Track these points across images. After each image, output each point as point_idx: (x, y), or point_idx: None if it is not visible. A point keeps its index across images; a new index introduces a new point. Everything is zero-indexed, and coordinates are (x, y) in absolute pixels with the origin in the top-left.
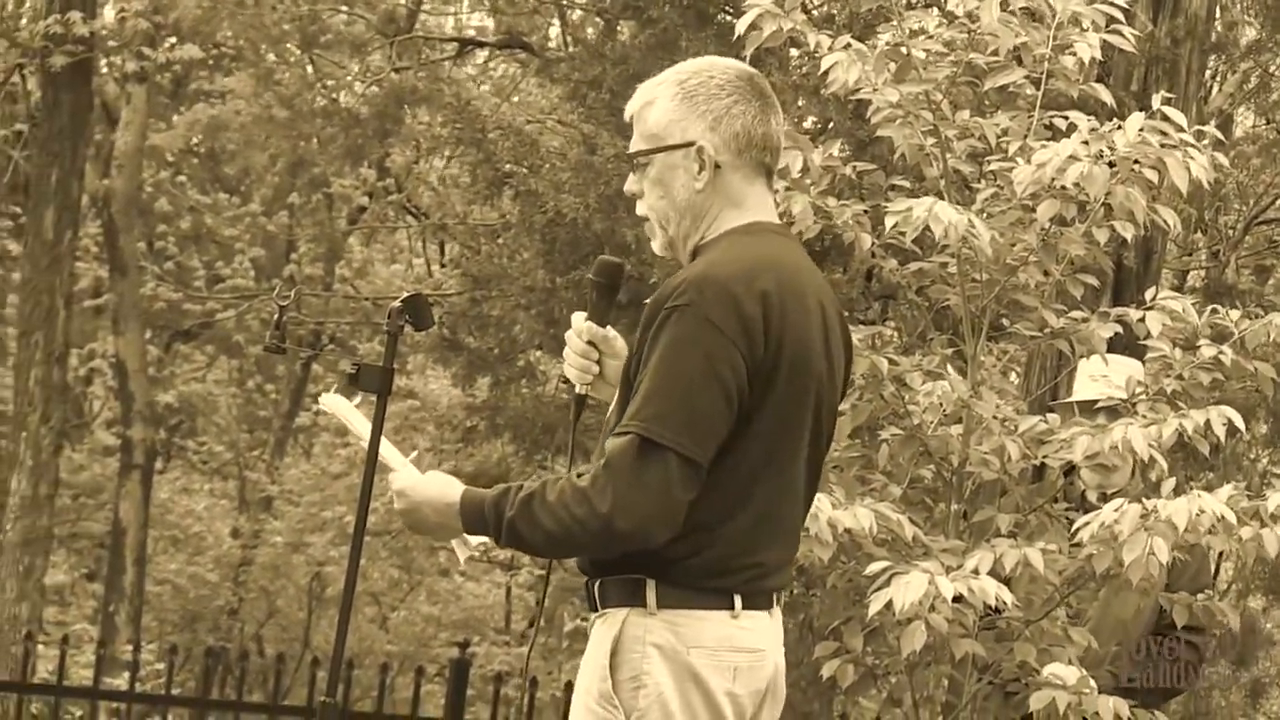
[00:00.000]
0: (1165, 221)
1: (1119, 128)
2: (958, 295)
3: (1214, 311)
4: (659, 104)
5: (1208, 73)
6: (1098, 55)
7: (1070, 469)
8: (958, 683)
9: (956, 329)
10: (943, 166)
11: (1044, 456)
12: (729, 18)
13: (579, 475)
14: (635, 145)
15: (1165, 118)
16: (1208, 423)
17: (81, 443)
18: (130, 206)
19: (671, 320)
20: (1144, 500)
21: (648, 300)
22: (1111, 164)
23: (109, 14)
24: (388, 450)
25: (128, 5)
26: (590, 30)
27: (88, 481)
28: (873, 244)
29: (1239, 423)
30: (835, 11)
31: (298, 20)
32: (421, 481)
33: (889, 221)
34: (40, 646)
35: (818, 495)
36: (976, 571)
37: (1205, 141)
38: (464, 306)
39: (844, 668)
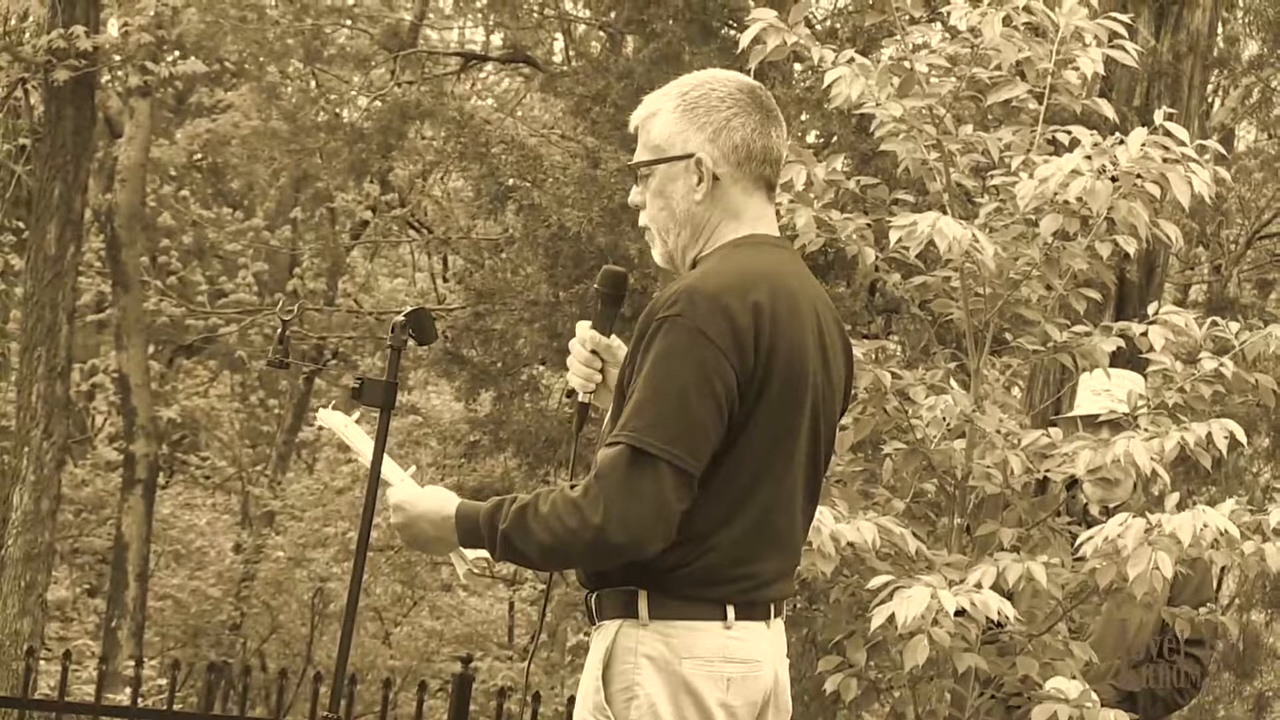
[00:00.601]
0: (1167, 236)
1: (1121, 142)
2: (961, 309)
3: (1215, 325)
4: (661, 116)
5: (1210, 88)
6: (1100, 70)
7: (1072, 483)
8: (960, 697)
9: (960, 343)
10: (946, 181)
11: (1047, 470)
12: (733, 31)
13: (571, 486)
14: (638, 156)
15: (1167, 133)
16: (1209, 436)
17: (84, 458)
18: (133, 221)
19: (663, 331)
20: (1147, 515)
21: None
22: (1114, 179)
23: (112, 28)
24: (387, 465)
25: (131, 20)
26: (594, 45)
27: (90, 497)
28: (876, 258)
29: (1241, 436)
30: (839, 26)
31: (301, 35)
32: (418, 496)
33: (893, 236)
34: (42, 662)
35: (820, 509)
36: (979, 585)
37: (1207, 156)
38: (467, 321)
39: (847, 682)
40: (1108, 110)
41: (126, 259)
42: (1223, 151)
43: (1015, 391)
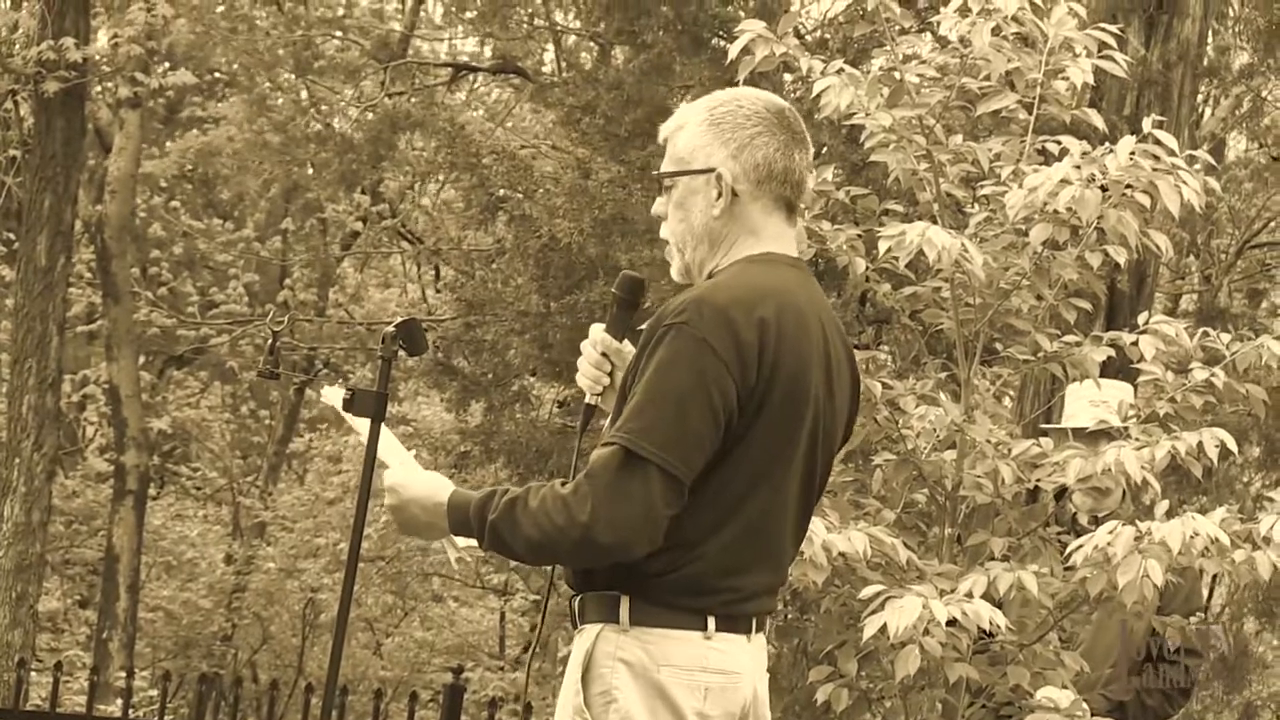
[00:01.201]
0: (1157, 246)
1: (1111, 152)
2: (951, 319)
3: (1206, 335)
4: (688, 129)
5: (1200, 97)
6: (1090, 80)
7: (1061, 492)
8: (951, 707)
9: (950, 353)
10: (936, 191)
11: (1037, 480)
12: (723, 42)
13: (562, 483)
14: (664, 167)
15: (1157, 141)
16: (1200, 445)
17: (75, 469)
18: (123, 232)
19: (668, 338)
20: (1137, 523)
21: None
22: (1104, 188)
23: (102, 40)
24: (389, 446)
25: (121, 31)
26: (584, 55)
27: (81, 508)
28: (866, 268)
29: (1231, 445)
30: (829, 36)
31: (291, 46)
32: (413, 480)
33: (882, 246)
34: (34, 673)
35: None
36: (970, 595)
37: (1197, 166)
38: (458, 331)
39: (838, 692)
40: (1097, 120)
41: (117, 270)
42: (1213, 161)
43: (1006, 401)
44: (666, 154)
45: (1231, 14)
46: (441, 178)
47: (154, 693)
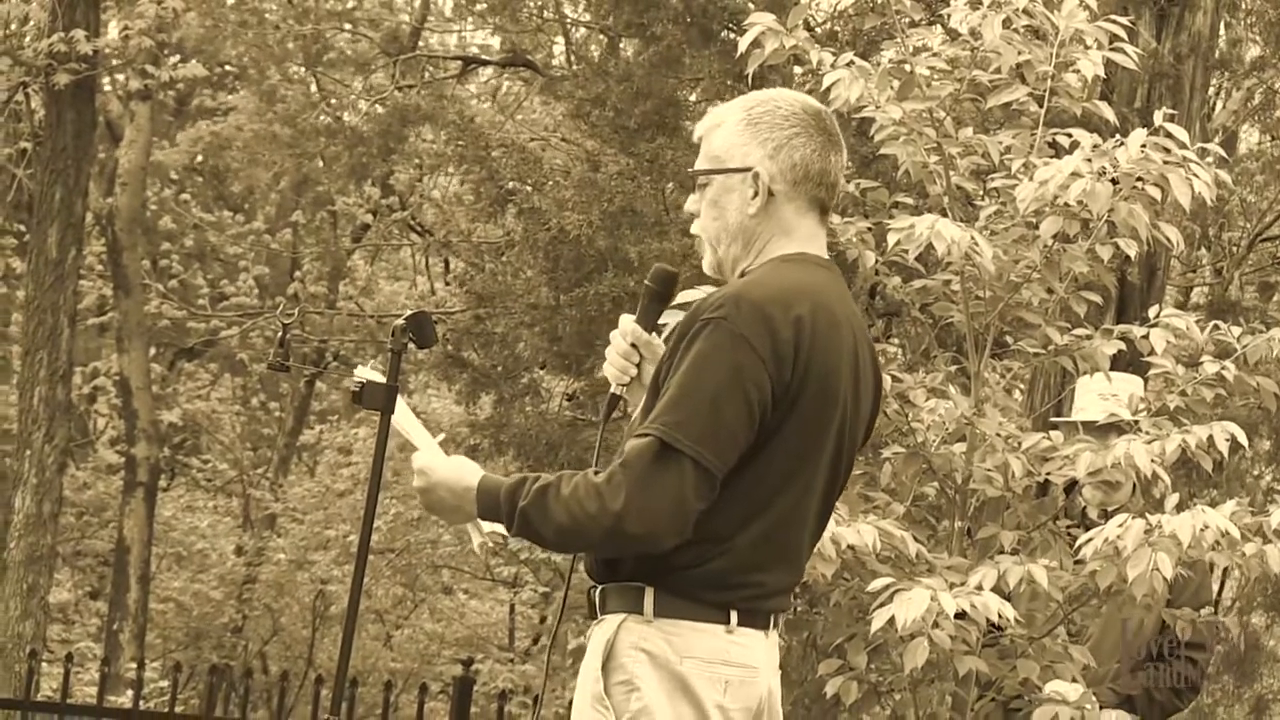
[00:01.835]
0: (1168, 238)
1: (1121, 145)
2: (961, 312)
3: (1217, 328)
4: (725, 127)
5: (1211, 90)
6: (1101, 73)
7: (1071, 486)
8: (961, 700)
9: (960, 346)
10: (946, 184)
11: (1047, 473)
12: (733, 35)
13: (595, 472)
14: (699, 165)
15: (1168, 134)
16: (1211, 438)
17: (85, 461)
18: (134, 224)
19: (705, 332)
20: (1147, 516)
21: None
22: (1114, 181)
23: (113, 32)
24: (416, 428)
25: (131, 23)
26: (594, 48)
27: (92, 499)
28: (876, 261)
29: (1242, 438)
30: (839, 29)
31: (301, 39)
32: (442, 463)
33: (891, 238)
34: (44, 665)
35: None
36: (980, 588)
37: (1209, 159)
38: (468, 324)
39: (848, 685)
40: (1108, 113)
41: (127, 262)
42: (1224, 154)
43: (1016, 395)
44: (701, 152)
45: (1243, 6)
46: (451, 170)
47: (165, 684)
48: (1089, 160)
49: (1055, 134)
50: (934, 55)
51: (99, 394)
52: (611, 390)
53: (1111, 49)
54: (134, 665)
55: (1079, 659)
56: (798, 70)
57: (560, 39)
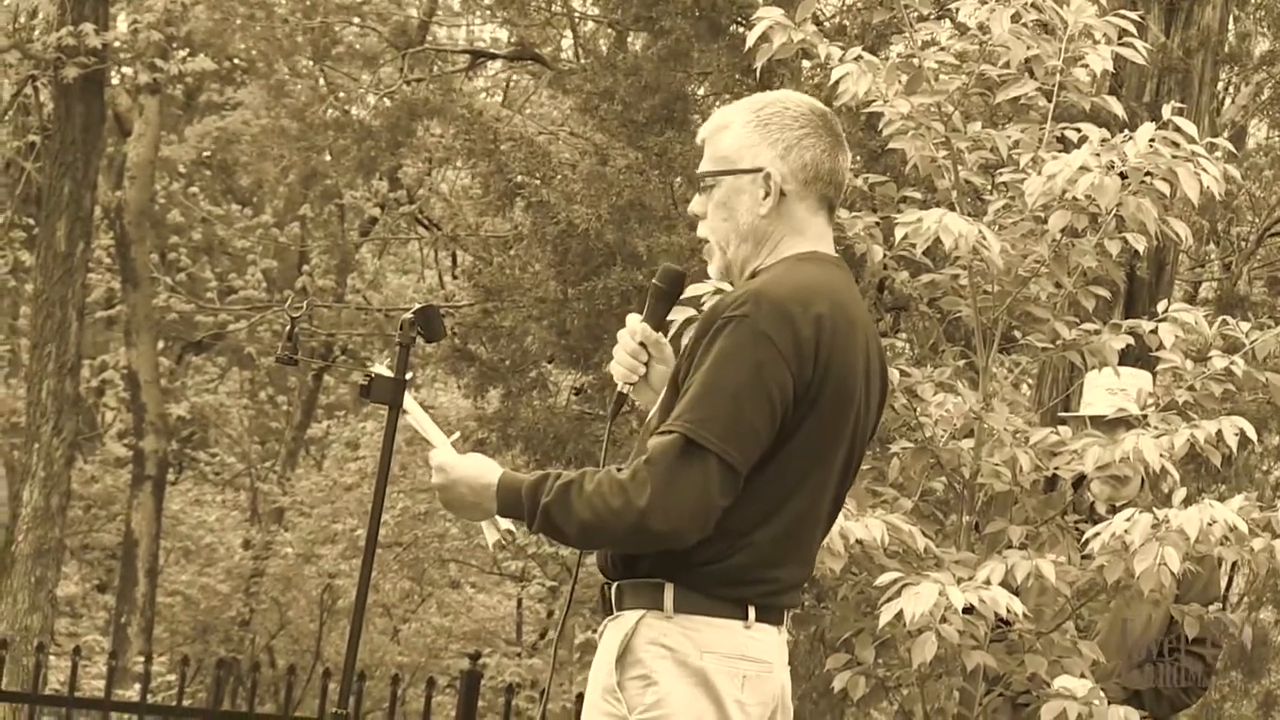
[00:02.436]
0: (1177, 233)
1: (1130, 139)
2: (969, 307)
3: (1225, 323)
4: (733, 129)
5: (1220, 84)
6: (1109, 67)
7: (1079, 481)
8: (969, 695)
9: (968, 341)
10: (954, 178)
11: (1056, 468)
12: (741, 29)
13: (618, 469)
14: (705, 167)
15: (1177, 129)
16: (1219, 433)
17: (93, 454)
18: (142, 218)
19: (727, 330)
20: (1155, 511)
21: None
22: (1123, 175)
23: (122, 26)
24: (430, 426)
25: (140, 17)
26: (602, 42)
27: (100, 493)
28: (885, 256)
29: (1251, 433)
30: (848, 23)
31: (310, 33)
32: (461, 459)
33: (898, 232)
34: (52, 658)
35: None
36: (988, 582)
37: (1217, 153)
38: (475, 318)
39: (855, 680)
40: (1117, 107)
41: (136, 256)
42: (1233, 149)
43: (1024, 389)
44: (707, 154)
45: (1252, 0)
46: (459, 164)
47: (172, 677)
48: (1097, 155)
49: (1064, 128)
50: (942, 50)
51: (107, 387)
52: (618, 390)
53: (1120, 43)
54: (142, 659)
55: (1087, 654)
56: (806, 64)
57: (568, 32)
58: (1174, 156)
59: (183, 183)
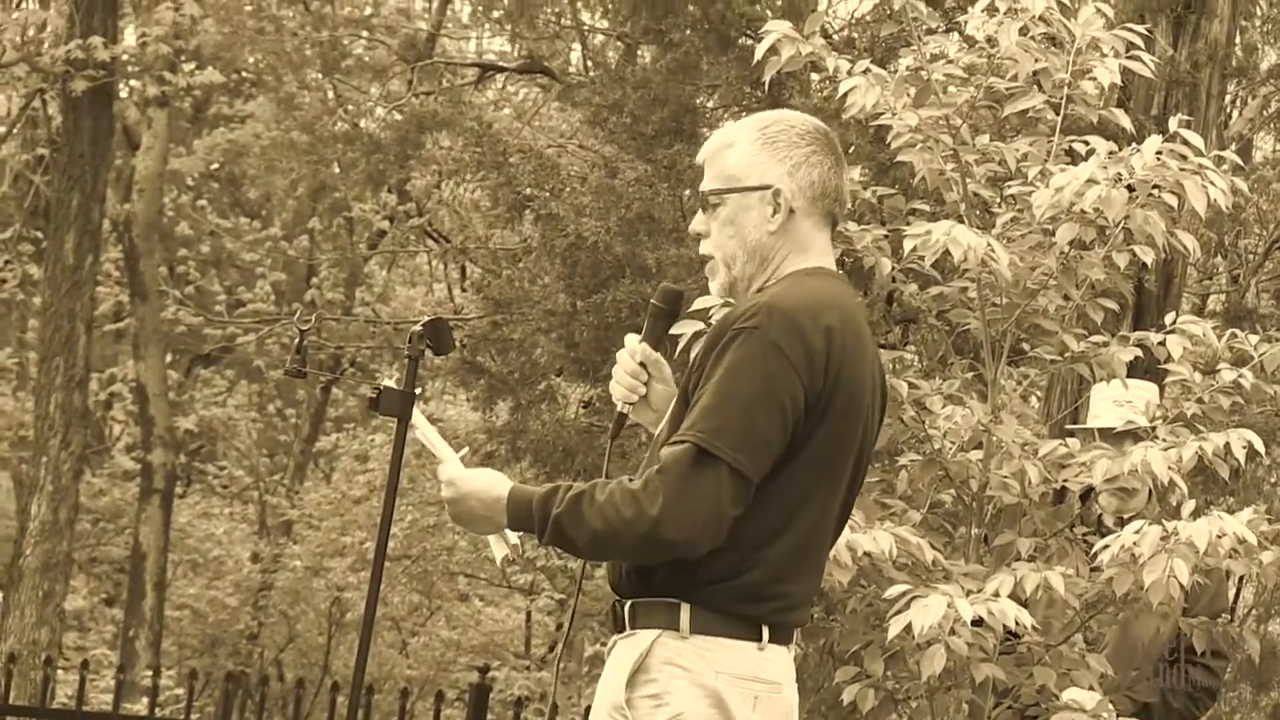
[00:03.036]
0: (1185, 246)
1: (1137, 151)
2: (978, 319)
3: (1234, 335)
4: (739, 147)
5: (1228, 98)
6: (1117, 80)
7: (1087, 493)
8: (978, 707)
9: (977, 353)
10: (963, 191)
11: (1064, 480)
12: (750, 41)
13: (630, 479)
14: (709, 185)
15: (1184, 141)
16: (1227, 446)
17: (102, 467)
18: (151, 231)
19: (738, 341)
20: (1164, 523)
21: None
22: (1130, 188)
23: (130, 39)
24: (437, 441)
25: (149, 30)
26: (611, 54)
27: (108, 506)
28: (893, 268)
29: (1259, 446)
30: (856, 36)
31: (319, 46)
32: (470, 474)
33: (907, 245)
34: (60, 671)
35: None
36: (997, 595)
37: (1224, 166)
38: (484, 330)
39: (864, 692)
40: (1125, 120)
41: (144, 269)
42: (1240, 162)
43: (1033, 402)
44: (710, 173)
45: (1260, 14)
46: (468, 177)
47: (180, 691)
48: (1105, 167)
49: (1072, 141)
50: (950, 62)
51: (115, 400)
52: (618, 410)
53: (1128, 56)
54: (149, 672)
55: (1096, 666)
56: (815, 77)
57: (577, 45)
58: (1181, 169)
59: (191, 196)
